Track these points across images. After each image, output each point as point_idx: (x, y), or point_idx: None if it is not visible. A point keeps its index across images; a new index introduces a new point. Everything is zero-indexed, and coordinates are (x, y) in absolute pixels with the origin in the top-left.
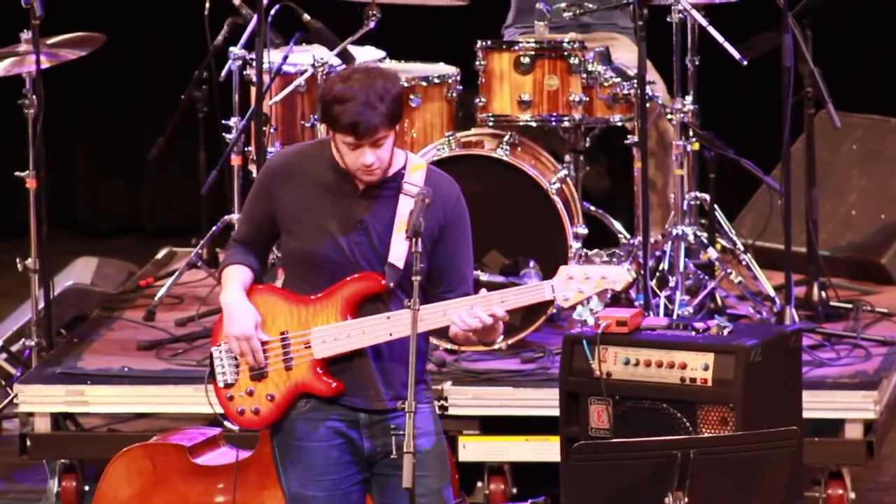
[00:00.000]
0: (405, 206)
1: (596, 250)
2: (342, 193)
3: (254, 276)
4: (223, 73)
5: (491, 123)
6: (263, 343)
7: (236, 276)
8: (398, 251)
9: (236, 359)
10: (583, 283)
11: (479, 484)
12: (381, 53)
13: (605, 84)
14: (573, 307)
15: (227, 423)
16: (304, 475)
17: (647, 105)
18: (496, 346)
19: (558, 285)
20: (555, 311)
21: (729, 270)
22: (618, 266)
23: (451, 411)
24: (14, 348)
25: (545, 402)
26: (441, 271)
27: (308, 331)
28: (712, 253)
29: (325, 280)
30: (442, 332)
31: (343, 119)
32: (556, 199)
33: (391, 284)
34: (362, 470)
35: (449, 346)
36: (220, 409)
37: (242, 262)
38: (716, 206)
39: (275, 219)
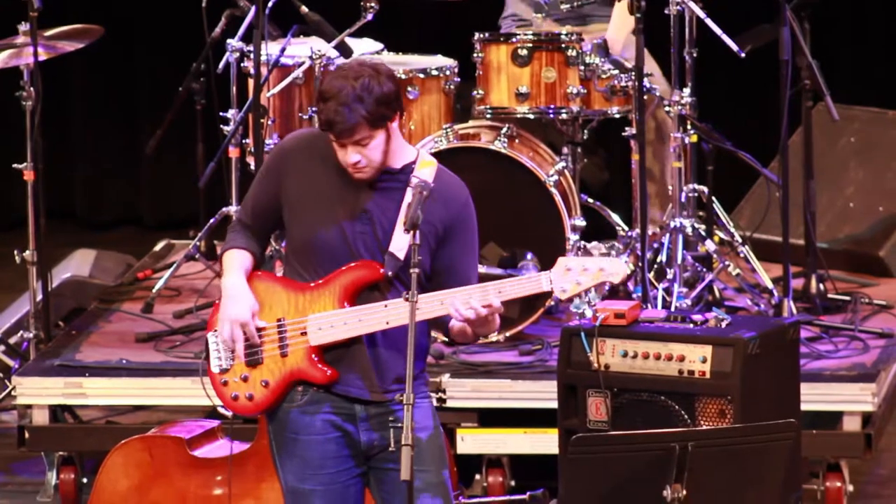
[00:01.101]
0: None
1: (595, 242)
2: (350, 182)
3: (254, 262)
4: (221, 65)
5: (489, 116)
6: (260, 329)
7: (238, 260)
8: (400, 242)
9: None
10: (581, 275)
11: (478, 476)
12: (379, 46)
13: (603, 76)
14: (570, 299)
15: (220, 409)
16: (301, 469)
17: (645, 97)
18: (493, 339)
19: (556, 277)
20: (553, 303)
21: (727, 263)
22: (616, 258)
23: (450, 404)
24: (12, 340)
25: (543, 394)
26: (444, 273)
27: (304, 318)
28: (710, 245)
29: (325, 268)
30: (443, 326)
31: (321, 117)
32: (554, 191)
33: (389, 273)
34: (360, 463)
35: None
36: (213, 394)
37: (245, 247)
38: (714, 198)
39: (280, 201)
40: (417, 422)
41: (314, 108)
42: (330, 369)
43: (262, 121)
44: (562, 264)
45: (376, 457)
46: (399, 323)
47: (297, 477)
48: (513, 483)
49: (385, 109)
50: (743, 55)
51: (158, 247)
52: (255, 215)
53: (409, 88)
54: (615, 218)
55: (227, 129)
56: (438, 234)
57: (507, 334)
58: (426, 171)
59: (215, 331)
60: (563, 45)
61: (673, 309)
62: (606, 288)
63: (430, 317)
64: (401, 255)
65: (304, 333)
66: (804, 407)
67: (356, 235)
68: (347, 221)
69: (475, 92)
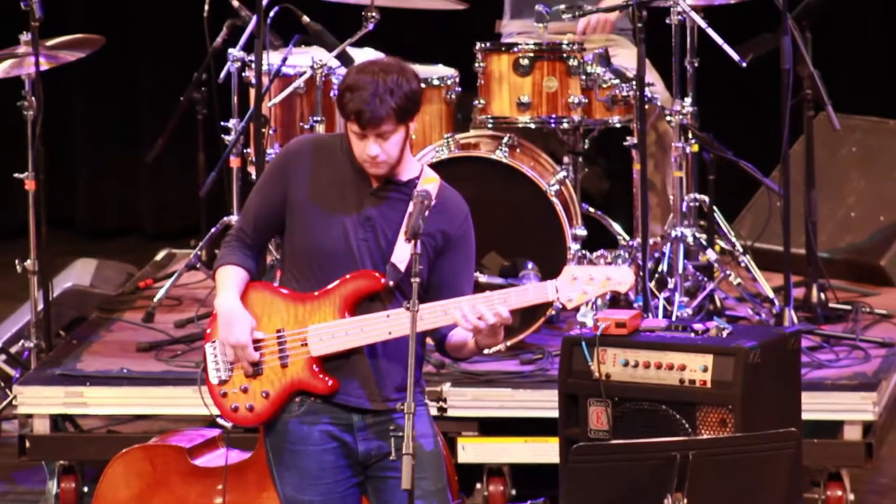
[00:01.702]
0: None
1: (600, 251)
2: (355, 188)
3: (249, 278)
4: (222, 74)
5: (490, 125)
6: (259, 340)
7: (231, 278)
8: (402, 253)
9: None
10: (587, 284)
11: (479, 485)
12: (380, 55)
13: (604, 86)
14: (576, 308)
15: (219, 420)
16: (299, 480)
17: (646, 107)
18: (494, 348)
19: (562, 286)
20: (554, 312)
21: (728, 272)
22: (623, 267)
23: (450, 413)
24: (13, 350)
25: (544, 403)
26: (440, 286)
27: (305, 328)
28: (711, 254)
29: (325, 274)
30: (438, 340)
31: (350, 106)
32: (555, 200)
33: (391, 283)
34: (357, 473)
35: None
36: (211, 404)
37: (239, 264)
38: (715, 207)
39: (283, 205)
40: (416, 430)
41: (315, 118)
42: (331, 379)
43: (263, 130)
44: (568, 273)
45: (374, 465)
46: (402, 333)
47: (295, 488)
48: (514, 492)
49: (411, 106)
50: (744, 64)
51: (159, 256)
52: (256, 222)
53: None
54: (616, 227)
55: (228, 138)
56: (438, 246)
57: (508, 343)
58: (429, 186)
59: (213, 342)
60: (564, 55)
61: (674, 318)
62: (607, 297)
63: (434, 327)
64: (402, 266)
65: (304, 344)
66: (805, 416)
67: (359, 242)
68: (351, 226)
69: (476, 101)
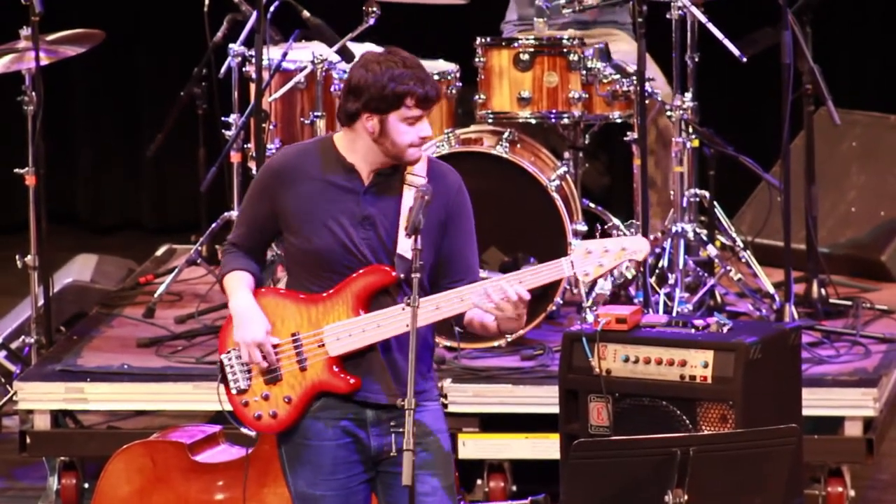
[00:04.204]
0: (410, 197)
1: (612, 223)
2: (347, 189)
3: (255, 281)
4: (223, 69)
5: (490, 120)
6: (275, 346)
7: (241, 282)
8: (406, 243)
9: (247, 364)
10: (602, 257)
11: (479, 481)
12: (381, 50)
13: (605, 81)
14: (592, 287)
15: (244, 430)
16: (313, 475)
17: (647, 102)
18: (495, 344)
19: (577, 260)
20: (554, 308)
21: (728, 267)
22: (637, 236)
23: (451, 408)
24: (14, 345)
25: (545, 399)
26: (447, 262)
27: (320, 329)
28: (712, 250)
29: (334, 277)
30: (453, 328)
31: (418, 90)
32: (556, 195)
33: (401, 276)
34: (368, 469)
35: (448, 343)
36: (226, 401)
37: (244, 268)
38: (715, 202)
39: (276, 220)
40: (429, 424)
41: (316, 113)
42: (353, 377)
43: (263, 125)
44: (582, 247)
45: (385, 461)
46: (419, 325)
47: (308, 482)
48: (514, 488)
49: None
50: (745, 59)
51: (160, 251)
52: (249, 236)
53: None
54: (616, 222)
55: (228, 133)
56: (441, 222)
57: (509, 339)
58: (419, 166)
59: (229, 352)
60: (564, 50)
61: (674, 314)
62: (624, 267)
63: (452, 314)
64: (409, 256)
65: (321, 345)
66: (806, 412)
67: (361, 242)
68: (350, 229)
69: (477, 97)
